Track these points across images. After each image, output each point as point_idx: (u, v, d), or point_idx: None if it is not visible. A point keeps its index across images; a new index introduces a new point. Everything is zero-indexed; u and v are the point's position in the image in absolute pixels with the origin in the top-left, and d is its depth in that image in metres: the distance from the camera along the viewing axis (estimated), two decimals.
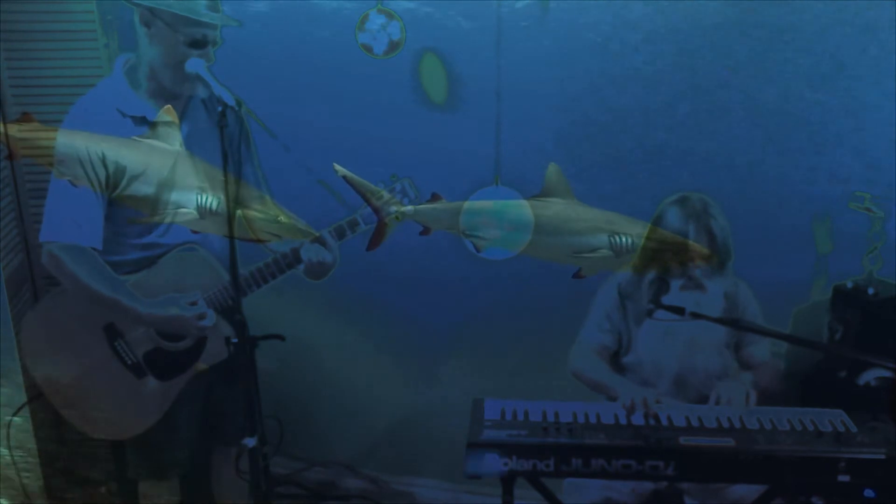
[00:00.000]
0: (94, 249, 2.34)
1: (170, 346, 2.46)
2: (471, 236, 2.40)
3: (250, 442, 2.22)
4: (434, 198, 2.42)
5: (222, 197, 2.32)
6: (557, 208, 2.36)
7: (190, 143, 2.40)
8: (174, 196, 2.32)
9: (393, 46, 2.84)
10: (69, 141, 2.32)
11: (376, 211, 2.43)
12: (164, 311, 2.38)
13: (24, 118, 2.36)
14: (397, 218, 2.43)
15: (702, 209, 2.41)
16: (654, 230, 2.37)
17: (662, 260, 2.34)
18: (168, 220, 2.34)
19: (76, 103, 2.39)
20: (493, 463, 2.16)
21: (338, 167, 2.42)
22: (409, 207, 2.43)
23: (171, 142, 2.33)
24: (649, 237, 2.33)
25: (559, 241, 2.35)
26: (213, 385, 2.58)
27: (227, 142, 2.08)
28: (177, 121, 2.33)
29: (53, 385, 2.50)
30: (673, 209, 2.43)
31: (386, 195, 2.41)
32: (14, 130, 2.33)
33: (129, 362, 2.45)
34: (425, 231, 2.45)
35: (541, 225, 2.35)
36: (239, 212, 2.21)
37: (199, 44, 2.29)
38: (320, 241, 2.40)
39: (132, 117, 2.35)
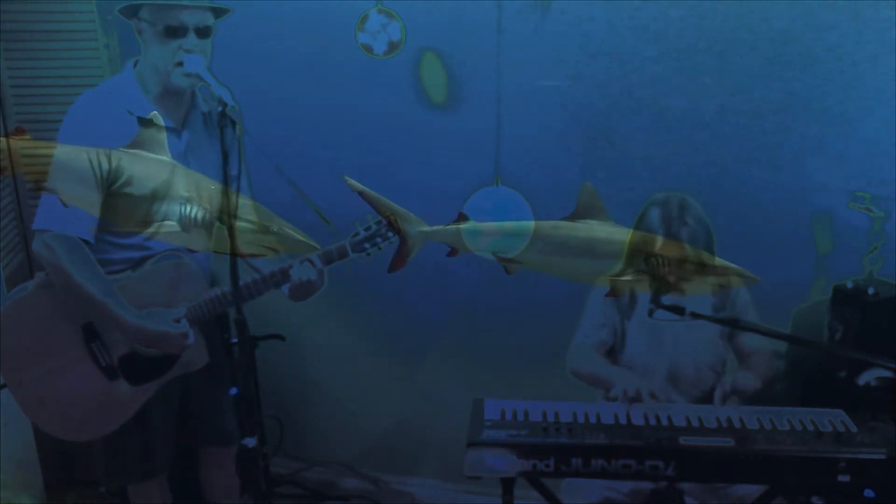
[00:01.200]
0: (85, 242, 2.32)
1: (146, 351, 2.43)
2: (502, 259, 2.37)
3: (250, 442, 2.22)
4: (461, 217, 2.38)
5: (208, 208, 2.32)
6: (590, 230, 2.33)
7: (188, 154, 2.40)
8: (162, 207, 2.31)
9: (393, 46, 2.84)
10: (70, 141, 2.31)
11: (397, 231, 2.39)
12: (152, 326, 2.35)
13: (17, 132, 2.34)
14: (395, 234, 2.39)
15: (677, 215, 2.39)
16: (636, 233, 2.36)
17: (645, 261, 2.31)
18: (151, 230, 2.33)
19: (82, 95, 2.36)
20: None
21: (352, 182, 2.37)
22: (427, 227, 2.39)
23: (161, 153, 2.33)
24: (632, 240, 2.32)
25: (592, 264, 2.33)
26: (192, 387, 2.55)
27: (228, 143, 2.07)
28: (163, 133, 2.33)
29: (20, 379, 2.43)
30: (652, 210, 2.42)
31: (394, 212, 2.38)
32: (10, 143, 2.31)
33: (103, 364, 2.42)
34: (453, 252, 2.42)
35: (574, 247, 2.33)
36: (226, 224, 2.17)
37: (175, 31, 2.25)
38: (308, 260, 2.38)
39: (139, 118, 2.35)
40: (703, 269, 2.30)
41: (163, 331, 2.36)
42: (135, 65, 2.39)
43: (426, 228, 2.39)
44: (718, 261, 2.30)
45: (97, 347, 2.40)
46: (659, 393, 2.36)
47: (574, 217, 2.35)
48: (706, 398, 2.51)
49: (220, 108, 2.09)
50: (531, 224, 2.35)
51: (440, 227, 2.38)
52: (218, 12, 2.35)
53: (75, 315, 2.39)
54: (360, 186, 2.37)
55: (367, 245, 2.39)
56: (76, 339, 2.40)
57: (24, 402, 2.46)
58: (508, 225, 2.37)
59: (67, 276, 2.29)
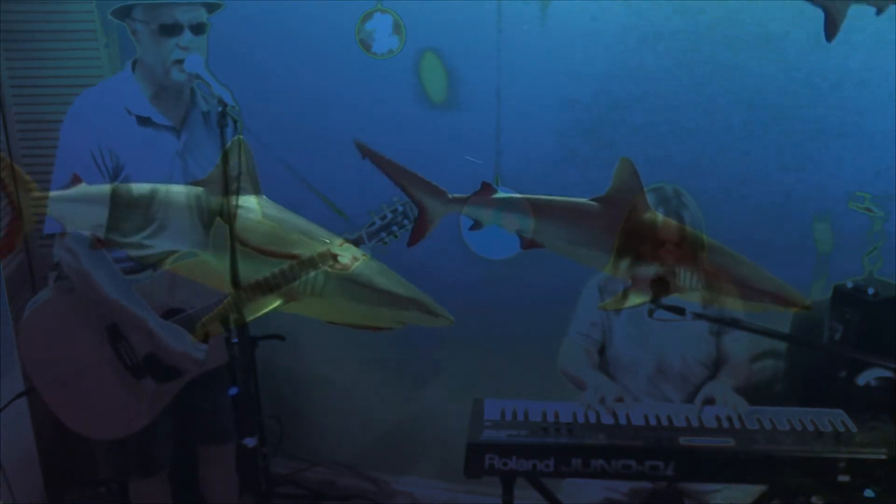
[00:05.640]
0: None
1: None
2: (525, 240, 2.27)
3: (250, 442, 2.22)
4: (485, 188, 2.22)
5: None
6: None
7: (186, 154, 2.41)
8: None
9: (393, 46, 2.84)
10: (70, 139, 2.33)
11: (417, 202, 2.31)
12: (173, 344, 2.39)
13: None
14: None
15: (673, 196, 2.38)
16: (627, 223, 2.23)
17: (635, 247, 2.21)
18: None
19: (81, 94, 2.38)
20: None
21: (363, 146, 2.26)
22: (449, 196, 2.24)
23: None
24: (624, 230, 2.21)
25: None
26: (192, 383, 2.56)
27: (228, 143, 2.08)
28: None
29: (49, 381, 2.48)
30: (647, 196, 2.36)
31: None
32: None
33: (129, 364, 2.44)
34: (476, 225, 2.29)
35: (600, 237, 2.17)
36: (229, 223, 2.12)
37: (170, 29, 2.25)
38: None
39: (137, 117, 2.35)
40: (698, 254, 2.20)
41: (181, 351, 2.40)
42: (133, 64, 2.40)
43: (448, 197, 2.28)
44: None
45: (122, 348, 2.43)
46: (627, 395, 2.36)
47: (609, 197, 2.20)
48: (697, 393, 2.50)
49: (219, 109, 2.09)
50: (563, 202, 2.20)
51: (462, 195, 2.25)
52: (210, 7, 2.35)
53: (99, 317, 2.41)
54: (371, 151, 2.26)
55: (383, 234, 2.35)
56: (102, 340, 2.43)
57: (55, 404, 2.50)
58: (539, 201, 2.19)
59: (88, 279, 2.32)
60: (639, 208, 2.20)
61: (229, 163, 2.07)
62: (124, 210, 2.34)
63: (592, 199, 2.23)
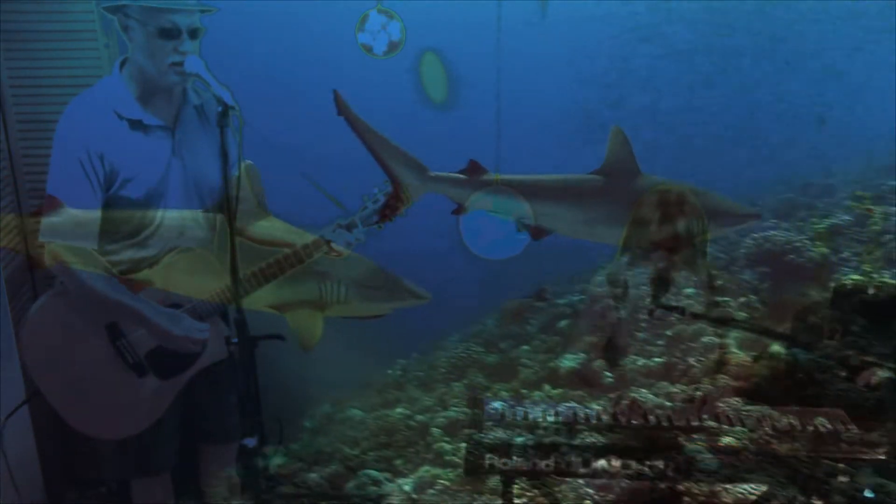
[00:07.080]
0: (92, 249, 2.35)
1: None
2: (530, 227, 2.28)
3: (250, 442, 2.22)
4: (473, 167, 2.20)
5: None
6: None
7: (181, 151, 2.40)
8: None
9: (393, 46, 2.84)
10: (64, 145, 2.33)
11: (392, 176, 2.35)
12: (173, 329, 2.40)
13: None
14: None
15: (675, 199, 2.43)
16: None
17: (643, 234, 2.20)
18: None
19: (73, 100, 2.37)
20: None
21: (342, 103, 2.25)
22: (431, 173, 2.24)
23: None
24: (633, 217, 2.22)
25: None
26: (194, 384, 2.57)
27: (227, 141, 2.08)
28: None
29: (53, 384, 2.49)
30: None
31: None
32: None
33: (131, 361, 2.44)
34: (459, 209, 2.32)
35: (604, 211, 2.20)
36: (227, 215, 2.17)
37: (169, 33, 2.25)
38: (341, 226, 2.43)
39: (129, 120, 2.35)
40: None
41: (181, 334, 2.40)
42: (121, 65, 2.39)
43: (430, 173, 2.27)
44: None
45: (123, 346, 2.43)
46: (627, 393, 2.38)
47: (604, 169, 2.20)
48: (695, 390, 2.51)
49: (220, 109, 2.09)
50: (566, 180, 2.18)
51: (445, 173, 2.23)
52: (203, 11, 2.35)
53: (97, 317, 2.41)
54: (349, 110, 2.27)
55: (375, 217, 2.40)
56: (102, 340, 2.43)
57: (60, 406, 2.50)
58: (540, 182, 2.15)
59: (79, 280, 2.32)
60: (633, 175, 2.22)
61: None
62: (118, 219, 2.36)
63: (592, 173, 2.21)
